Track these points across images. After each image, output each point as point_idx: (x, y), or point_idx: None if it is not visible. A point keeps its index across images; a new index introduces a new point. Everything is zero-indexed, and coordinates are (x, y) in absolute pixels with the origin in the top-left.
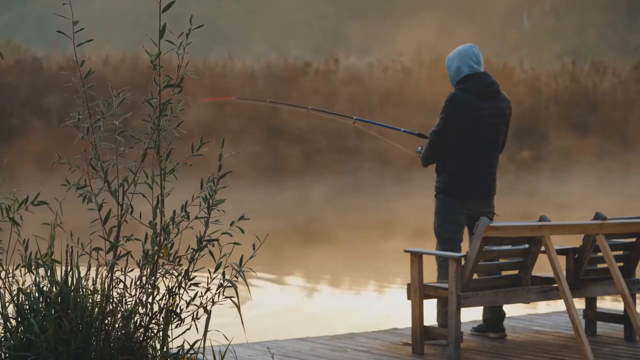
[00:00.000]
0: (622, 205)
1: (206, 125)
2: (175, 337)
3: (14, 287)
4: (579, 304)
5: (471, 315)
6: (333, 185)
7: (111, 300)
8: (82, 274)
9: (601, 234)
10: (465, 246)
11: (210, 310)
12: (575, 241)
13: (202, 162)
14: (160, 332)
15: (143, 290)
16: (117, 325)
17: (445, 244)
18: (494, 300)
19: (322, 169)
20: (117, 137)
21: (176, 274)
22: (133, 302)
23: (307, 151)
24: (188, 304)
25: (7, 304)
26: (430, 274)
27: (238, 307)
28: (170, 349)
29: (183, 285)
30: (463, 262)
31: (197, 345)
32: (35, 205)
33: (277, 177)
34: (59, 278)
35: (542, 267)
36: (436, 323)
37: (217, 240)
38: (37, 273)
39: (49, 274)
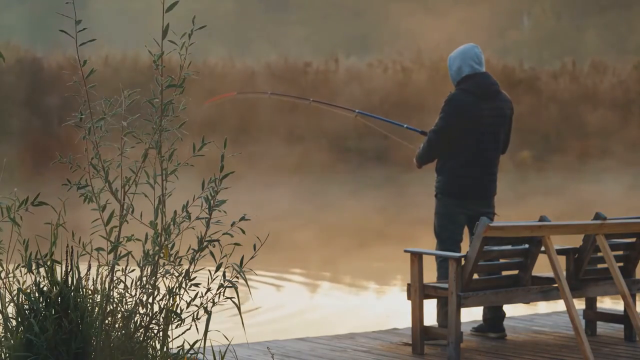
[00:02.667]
0: None
1: (211, 123)
2: (176, 337)
3: (14, 287)
4: (579, 304)
5: (471, 315)
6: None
7: (111, 300)
8: (82, 274)
9: (601, 234)
10: (465, 246)
11: (211, 311)
12: (575, 241)
13: (202, 161)
14: (161, 333)
15: (143, 290)
16: (117, 326)
17: (445, 244)
18: (494, 300)
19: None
20: (123, 138)
21: (177, 274)
22: (133, 302)
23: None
24: (188, 304)
25: (7, 304)
26: (430, 274)
27: (238, 308)
28: (171, 349)
29: (183, 285)
30: (463, 262)
31: (197, 345)
32: (35, 206)
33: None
34: (59, 278)
35: (542, 267)
36: (436, 323)
37: (217, 240)
38: (38, 273)
39: (49, 274)
